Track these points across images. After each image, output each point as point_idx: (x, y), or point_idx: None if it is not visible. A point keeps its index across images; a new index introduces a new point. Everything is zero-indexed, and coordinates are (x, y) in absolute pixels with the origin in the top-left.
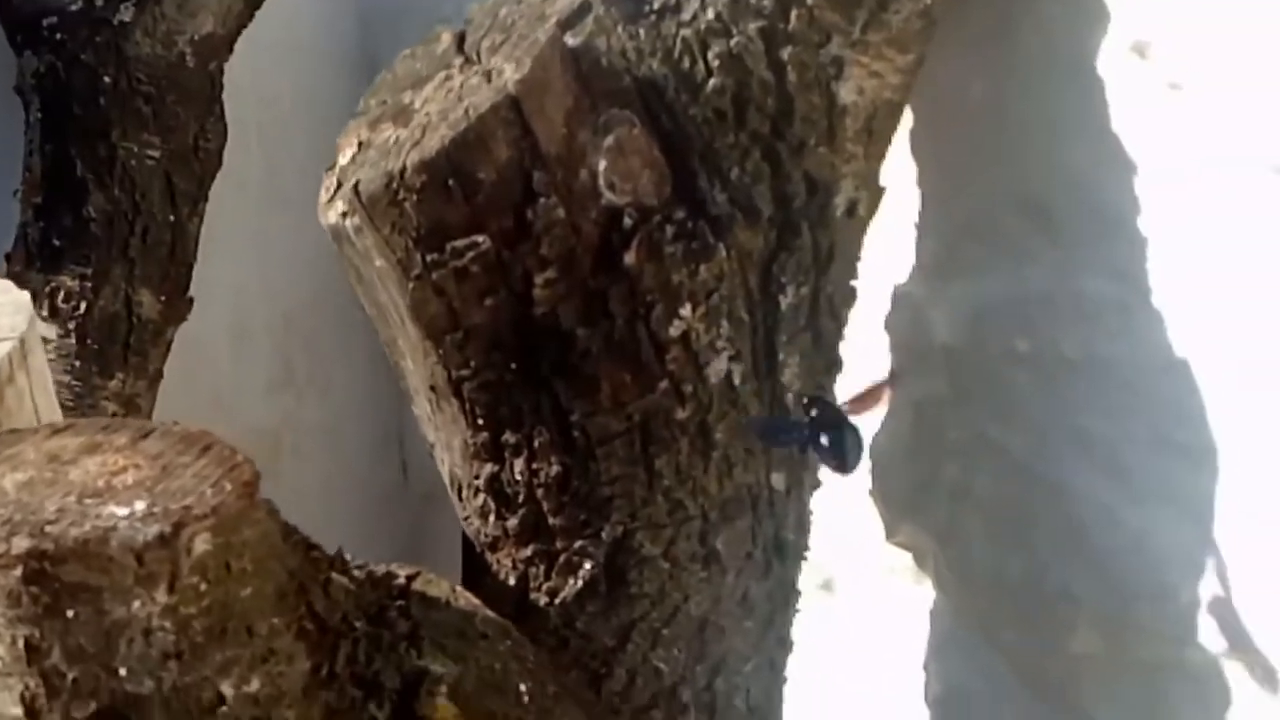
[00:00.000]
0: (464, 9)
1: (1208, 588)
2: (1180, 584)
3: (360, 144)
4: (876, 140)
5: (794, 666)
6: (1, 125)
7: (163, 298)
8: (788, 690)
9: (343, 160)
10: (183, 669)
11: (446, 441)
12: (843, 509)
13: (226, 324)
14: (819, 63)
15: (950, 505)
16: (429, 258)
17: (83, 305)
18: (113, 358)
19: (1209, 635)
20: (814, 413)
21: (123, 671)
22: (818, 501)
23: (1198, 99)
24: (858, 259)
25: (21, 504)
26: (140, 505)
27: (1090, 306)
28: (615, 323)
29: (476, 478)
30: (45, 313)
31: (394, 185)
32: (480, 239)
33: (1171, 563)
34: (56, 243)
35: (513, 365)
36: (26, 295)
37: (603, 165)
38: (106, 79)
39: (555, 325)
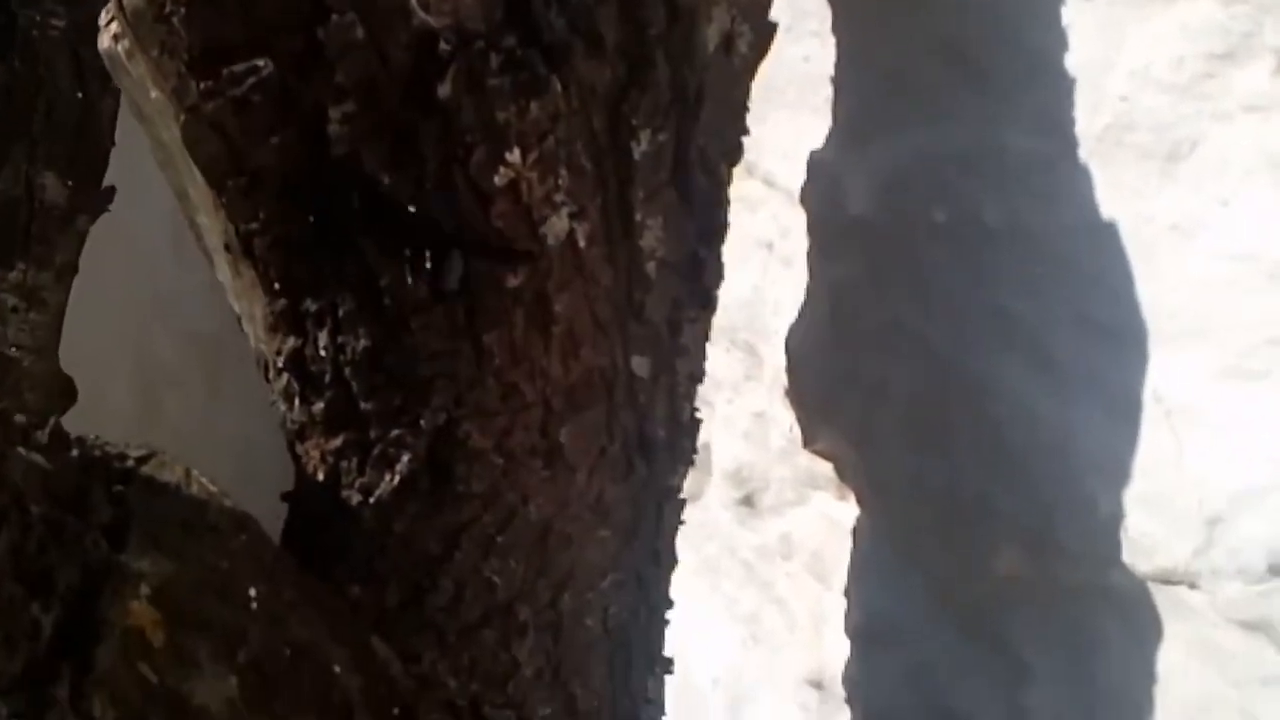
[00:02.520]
0: None
1: (1130, 498)
2: (1100, 493)
3: None
4: None
5: (712, 591)
6: None
7: (70, 182)
8: (702, 615)
9: None
10: None
11: (249, 311)
12: (762, 416)
13: (168, 224)
14: None
15: (867, 404)
16: (203, 85)
17: None
18: (11, 244)
19: (1133, 555)
20: None
21: None
22: (734, 408)
23: None
24: (744, 107)
25: None
26: None
27: (1014, 164)
28: (427, 167)
29: (278, 354)
30: None
31: None
32: (262, 62)
33: (1092, 468)
34: None
35: (309, 218)
36: None
37: None
38: None
39: (357, 170)
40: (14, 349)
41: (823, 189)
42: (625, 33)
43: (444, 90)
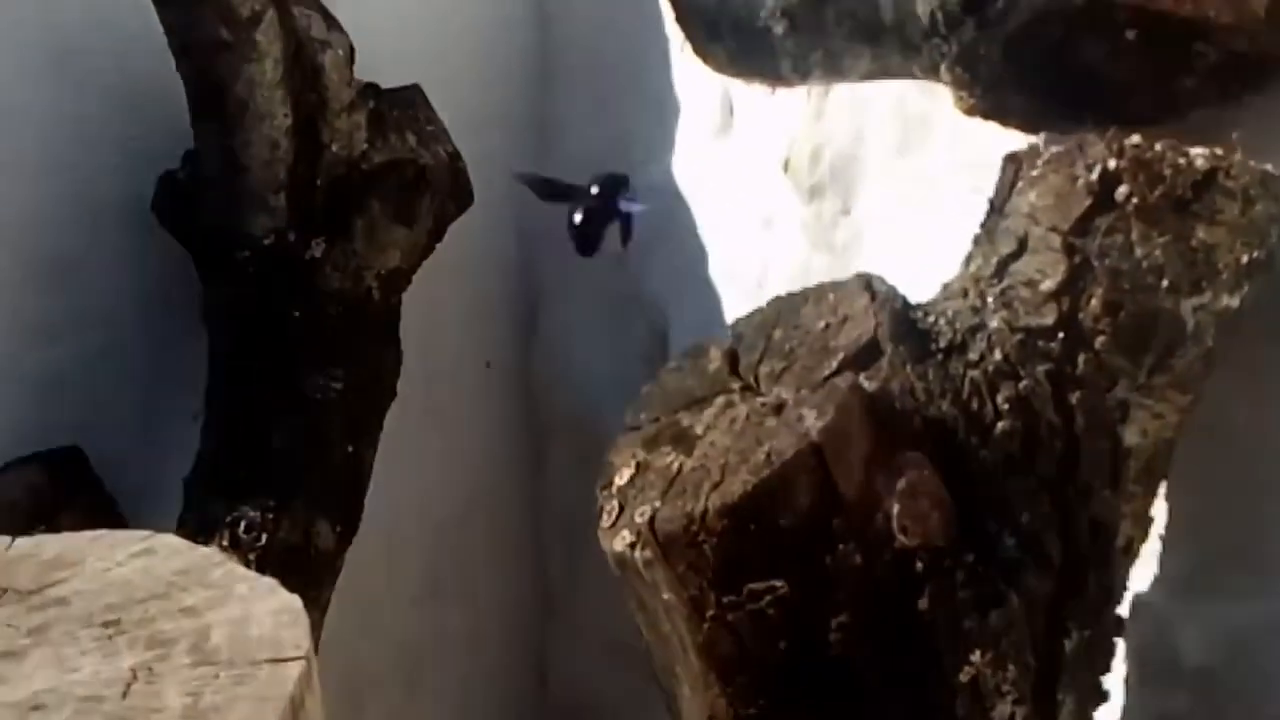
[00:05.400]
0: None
1: None
2: None
3: (638, 465)
4: (1154, 479)
5: None
6: (183, 350)
7: (338, 528)
8: None
9: (619, 480)
10: None
11: None
12: None
13: (382, 538)
14: (1105, 406)
15: None
16: (725, 598)
17: (264, 536)
18: (290, 589)
19: None
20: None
21: None
22: None
23: None
24: (1125, 590)
25: None
26: None
27: None
28: (906, 669)
29: None
30: (226, 542)
31: (694, 528)
32: (779, 583)
33: None
34: (239, 472)
35: (801, 703)
36: (298, 600)
37: (896, 508)
38: (295, 312)
39: (845, 667)
40: None
41: (1149, 630)
42: (1062, 550)
43: (922, 603)
